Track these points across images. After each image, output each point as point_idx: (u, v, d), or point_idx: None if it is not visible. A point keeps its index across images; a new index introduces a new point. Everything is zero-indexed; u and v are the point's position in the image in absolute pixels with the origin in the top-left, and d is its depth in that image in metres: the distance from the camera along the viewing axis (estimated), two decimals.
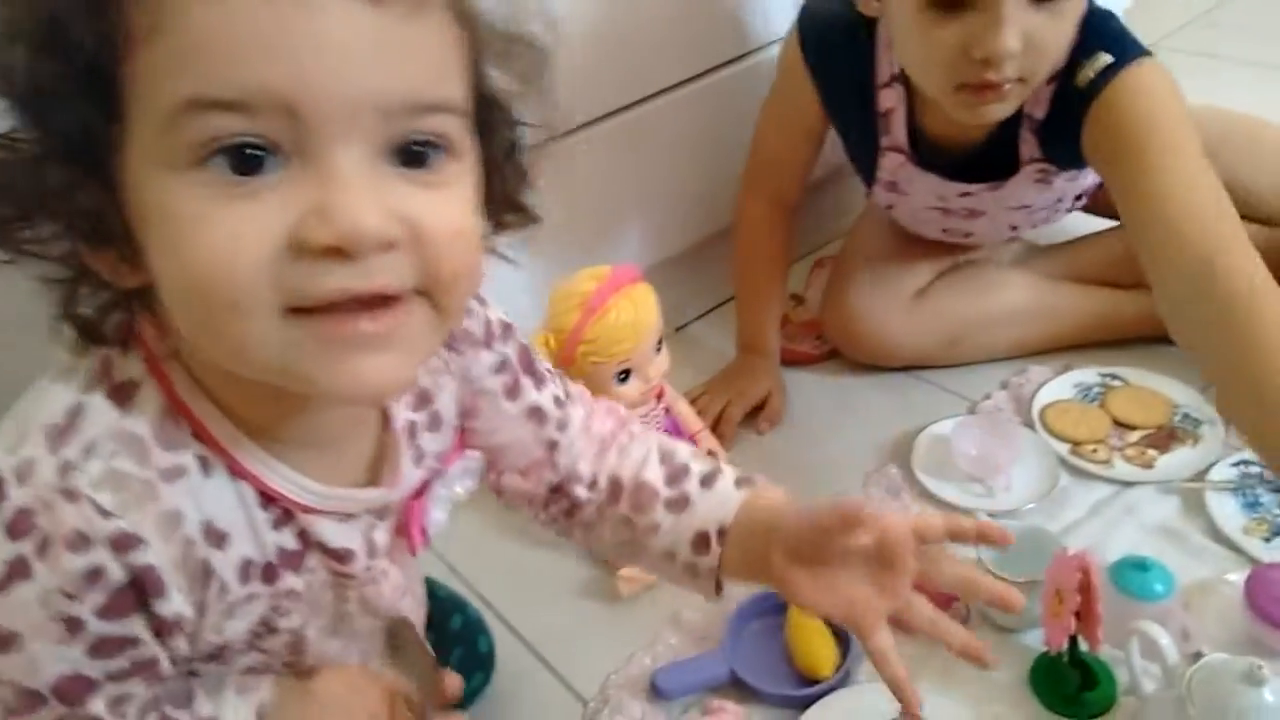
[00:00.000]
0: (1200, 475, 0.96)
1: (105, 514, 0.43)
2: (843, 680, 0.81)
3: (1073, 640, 0.76)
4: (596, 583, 0.95)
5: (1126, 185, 0.88)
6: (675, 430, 1.00)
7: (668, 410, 1.00)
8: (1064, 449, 1.01)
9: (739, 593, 0.91)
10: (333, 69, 0.38)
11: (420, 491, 0.58)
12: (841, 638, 0.83)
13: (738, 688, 0.83)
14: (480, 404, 0.61)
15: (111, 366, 0.46)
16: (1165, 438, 1.01)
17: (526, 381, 0.63)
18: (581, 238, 1.09)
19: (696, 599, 0.91)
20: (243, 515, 0.48)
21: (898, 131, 1.03)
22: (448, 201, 0.43)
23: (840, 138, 1.11)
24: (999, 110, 0.89)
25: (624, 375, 0.93)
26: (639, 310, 0.91)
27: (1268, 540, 0.89)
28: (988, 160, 1.01)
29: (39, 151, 0.40)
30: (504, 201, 0.50)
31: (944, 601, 0.83)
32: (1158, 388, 1.07)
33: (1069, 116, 0.92)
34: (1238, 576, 0.83)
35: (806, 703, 0.79)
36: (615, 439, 0.68)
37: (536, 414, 0.64)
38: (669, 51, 1.11)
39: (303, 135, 0.39)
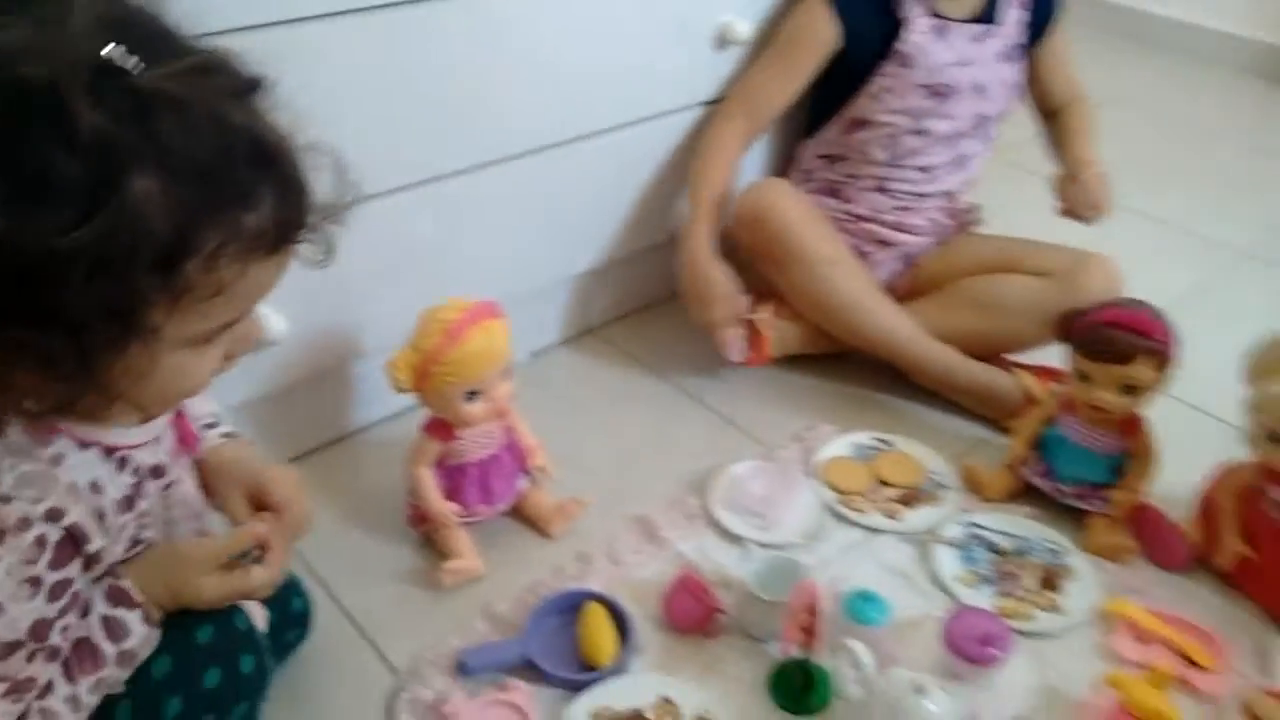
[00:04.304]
0: (934, 530, 1.18)
1: (35, 501, 0.63)
2: (619, 668, 0.97)
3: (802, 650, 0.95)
4: (423, 572, 1.10)
5: None
6: (512, 446, 1.15)
7: (508, 429, 1.15)
8: (832, 497, 1.21)
9: (545, 590, 1.07)
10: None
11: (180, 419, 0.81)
12: (623, 632, 1.00)
13: (531, 671, 0.98)
14: None
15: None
16: (914, 496, 1.22)
17: None
18: (450, 268, 1.23)
19: (509, 593, 1.07)
20: (103, 469, 0.69)
21: (916, 6, 1.33)
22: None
23: (853, 46, 1.36)
24: None
25: (472, 395, 1.07)
26: (493, 342, 1.06)
27: (974, 589, 1.11)
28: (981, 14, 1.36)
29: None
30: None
31: (706, 613, 1.02)
32: (918, 454, 1.29)
33: None
34: (943, 614, 1.03)
35: (586, 686, 0.96)
36: None
37: None
38: (540, 113, 1.27)
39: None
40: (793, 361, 1.44)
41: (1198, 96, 2.61)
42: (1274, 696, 0.99)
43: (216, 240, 0.57)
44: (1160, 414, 1.18)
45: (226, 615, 0.76)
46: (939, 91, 1.35)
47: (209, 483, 0.83)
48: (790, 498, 1.18)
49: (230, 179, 0.57)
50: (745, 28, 1.36)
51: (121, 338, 0.57)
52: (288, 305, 1.09)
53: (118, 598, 0.70)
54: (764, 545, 1.10)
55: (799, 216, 1.36)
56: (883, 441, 1.31)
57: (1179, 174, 2.15)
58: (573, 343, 1.51)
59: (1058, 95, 1.45)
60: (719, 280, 1.33)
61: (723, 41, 1.37)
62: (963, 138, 1.40)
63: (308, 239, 0.65)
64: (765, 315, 1.40)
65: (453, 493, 1.11)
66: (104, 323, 0.55)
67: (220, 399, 1.01)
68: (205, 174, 0.56)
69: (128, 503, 0.71)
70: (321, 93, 1.00)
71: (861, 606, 1.00)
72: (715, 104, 1.41)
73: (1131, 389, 1.11)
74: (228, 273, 0.59)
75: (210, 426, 0.86)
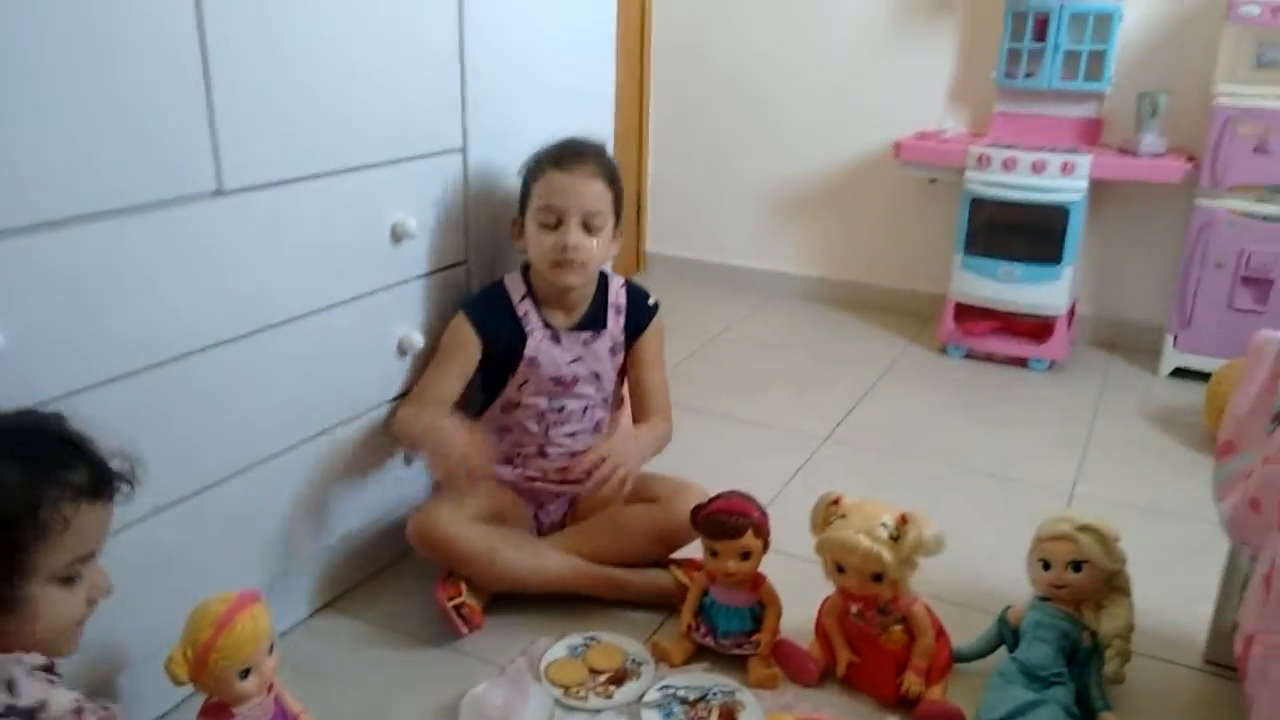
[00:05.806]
0: (640, 699, 1.50)
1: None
2: None
3: None
4: None
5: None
6: (282, 714, 1.34)
7: (276, 699, 1.33)
8: (559, 693, 1.51)
9: None
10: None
11: None
12: None
13: None
14: None
15: None
16: (621, 676, 1.55)
17: None
18: (198, 572, 1.43)
19: None
20: None
21: (535, 321, 1.76)
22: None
23: (493, 353, 1.75)
24: (574, 278, 1.70)
25: (245, 673, 1.26)
26: (258, 624, 1.27)
27: None
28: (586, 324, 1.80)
29: None
30: None
31: None
32: (618, 643, 1.62)
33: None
34: None
35: None
36: None
37: None
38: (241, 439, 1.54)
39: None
40: (506, 595, 1.73)
41: (774, 321, 3.39)
42: None
43: (56, 491, 0.97)
44: (778, 569, 1.62)
45: None
46: (563, 382, 1.79)
47: None
48: (525, 701, 1.45)
49: (54, 456, 1.00)
50: (419, 338, 1.75)
51: (14, 573, 0.95)
52: None
53: None
54: None
55: (455, 528, 1.66)
56: (590, 639, 1.64)
57: (770, 383, 2.80)
58: (316, 616, 1.71)
59: (636, 392, 1.84)
60: (455, 440, 1.59)
61: (403, 350, 1.73)
62: (595, 408, 1.84)
63: (115, 490, 1.05)
64: (466, 599, 1.67)
65: None
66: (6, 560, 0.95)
67: None
68: (42, 459, 0.99)
69: None
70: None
71: None
72: (400, 399, 1.76)
73: (747, 555, 1.54)
74: (69, 511, 0.97)
75: None
